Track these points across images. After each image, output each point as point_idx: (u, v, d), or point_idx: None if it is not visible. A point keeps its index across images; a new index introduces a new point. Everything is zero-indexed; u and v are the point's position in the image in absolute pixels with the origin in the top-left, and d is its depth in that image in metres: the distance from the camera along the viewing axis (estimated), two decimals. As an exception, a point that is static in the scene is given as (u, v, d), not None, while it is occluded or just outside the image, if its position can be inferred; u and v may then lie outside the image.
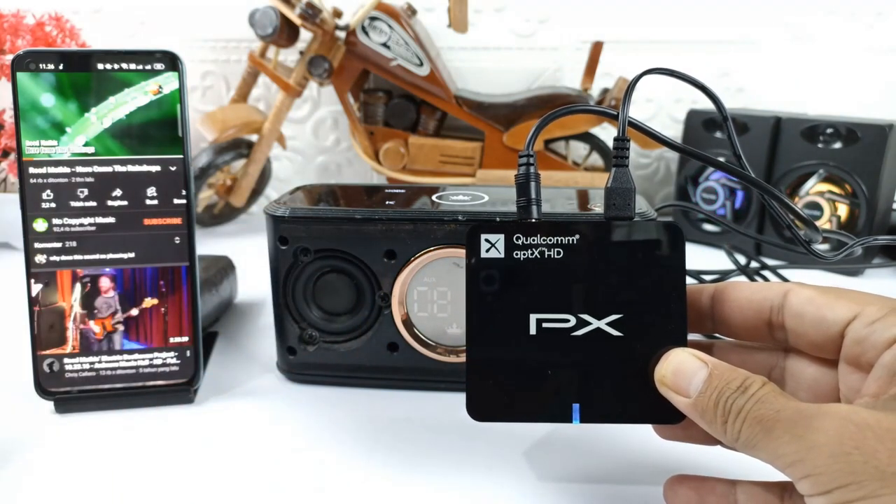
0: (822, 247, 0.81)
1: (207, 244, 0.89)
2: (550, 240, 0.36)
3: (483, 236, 0.37)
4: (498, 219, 0.45)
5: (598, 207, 0.47)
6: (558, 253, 0.36)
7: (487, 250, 0.37)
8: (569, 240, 0.36)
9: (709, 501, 0.35)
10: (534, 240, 0.36)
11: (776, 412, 0.29)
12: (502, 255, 0.36)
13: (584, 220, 0.37)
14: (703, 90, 0.39)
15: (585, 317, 0.36)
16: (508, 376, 0.36)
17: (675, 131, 1.04)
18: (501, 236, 0.36)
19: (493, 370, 0.36)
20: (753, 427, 0.30)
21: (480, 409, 0.36)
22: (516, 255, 0.36)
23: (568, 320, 0.36)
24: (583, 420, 0.36)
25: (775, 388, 0.31)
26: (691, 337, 0.37)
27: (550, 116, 0.38)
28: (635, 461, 0.42)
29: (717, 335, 0.39)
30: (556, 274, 0.36)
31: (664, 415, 0.35)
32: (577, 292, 0.36)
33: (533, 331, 0.36)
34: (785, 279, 0.66)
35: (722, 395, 0.31)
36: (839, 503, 0.26)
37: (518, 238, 0.36)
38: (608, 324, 0.36)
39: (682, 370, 0.33)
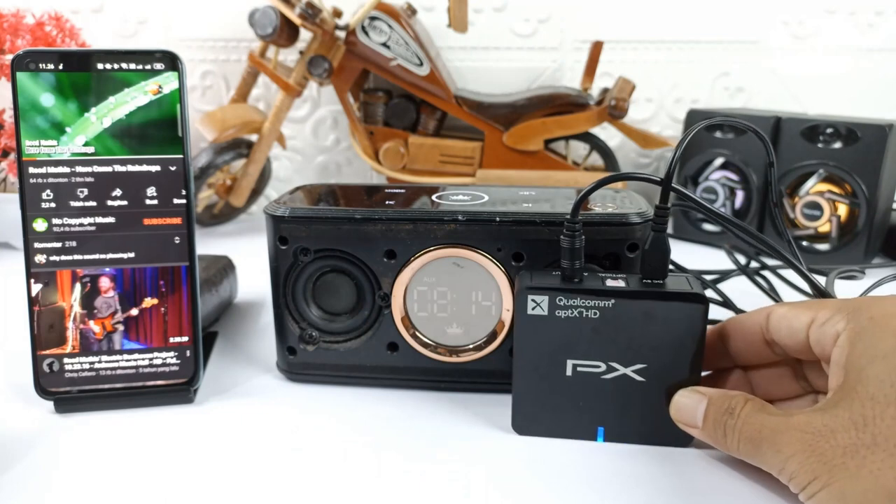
0: (822, 246, 0.81)
1: (207, 244, 0.89)
2: (589, 302, 0.41)
3: (530, 297, 0.41)
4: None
5: (598, 207, 0.47)
6: (595, 313, 0.41)
7: (533, 308, 0.41)
8: (605, 302, 0.41)
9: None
10: (574, 301, 0.41)
11: (758, 431, 0.35)
12: (546, 313, 0.41)
13: (622, 289, 0.41)
14: (758, 136, 0.44)
15: (614, 364, 0.42)
16: (546, 404, 0.43)
17: (674, 131, 1.04)
18: (546, 297, 0.41)
19: (533, 398, 0.43)
20: (746, 444, 0.36)
21: (522, 426, 0.44)
22: (558, 313, 0.41)
23: (599, 366, 0.42)
24: (606, 439, 0.43)
25: (755, 406, 0.37)
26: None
27: (602, 182, 0.42)
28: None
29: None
30: (592, 329, 0.41)
31: (675, 439, 0.42)
32: (609, 344, 0.41)
33: (569, 372, 0.42)
34: (784, 279, 0.66)
35: (718, 420, 0.38)
36: (812, 494, 0.33)
37: (560, 300, 0.41)
38: (633, 371, 0.42)
39: (686, 406, 0.40)
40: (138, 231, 0.47)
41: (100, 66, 0.45)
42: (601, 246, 0.45)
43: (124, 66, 0.46)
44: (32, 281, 0.46)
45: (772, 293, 0.62)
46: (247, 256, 0.72)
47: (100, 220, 0.46)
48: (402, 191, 0.53)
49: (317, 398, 0.49)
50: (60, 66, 0.45)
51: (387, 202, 0.49)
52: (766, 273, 0.67)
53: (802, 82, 1.03)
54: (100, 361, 0.47)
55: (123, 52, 0.46)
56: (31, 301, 0.46)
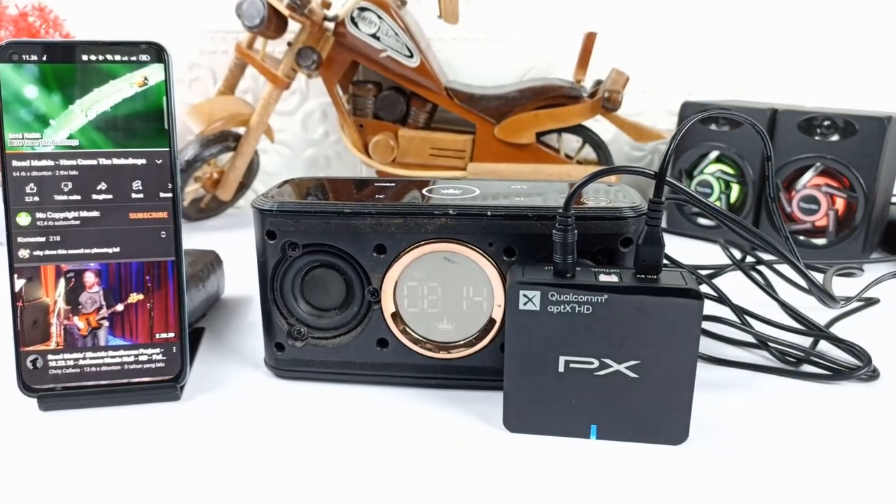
0: (819, 241, 0.81)
1: (194, 238, 0.88)
2: (582, 297, 0.40)
3: (522, 292, 0.41)
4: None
5: (591, 201, 0.47)
6: (587, 309, 0.40)
7: (525, 304, 0.41)
8: (598, 298, 0.40)
9: None
10: (566, 297, 0.40)
11: None
12: (538, 309, 0.41)
13: (615, 284, 0.40)
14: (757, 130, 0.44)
15: (608, 361, 0.41)
16: (538, 401, 0.43)
17: (669, 124, 1.04)
18: (538, 292, 0.41)
19: (525, 396, 0.43)
20: None
21: (514, 424, 0.43)
22: (550, 308, 0.41)
23: (592, 363, 0.42)
24: (599, 437, 0.43)
25: None
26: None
27: (595, 175, 0.41)
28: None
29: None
30: (585, 325, 0.41)
31: (669, 437, 0.42)
32: (602, 340, 0.41)
33: (561, 369, 0.42)
34: (780, 273, 0.66)
35: None
36: None
37: (553, 295, 0.41)
38: (627, 367, 0.41)
39: None
40: (124, 225, 0.46)
41: (84, 57, 0.44)
42: (594, 240, 0.45)
43: (109, 57, 0.45)
44: (16, 276, 0.45)
45: (768, 288, 0.61)
46: (234, 251, 0.72)
47: (84, 214, 0.45)
48: (392, 185, 0.53)
49: (305, 395, 0.49)
50: (44, 58, 0.44)
51: (376, 196, 0.48)
52: (761, 268, 0.67)
53: (799, 74, 1.02)
54: (84, 358, 0.46)
55: (109, 43, 0.45)
56: (15, 296, 0.45)
